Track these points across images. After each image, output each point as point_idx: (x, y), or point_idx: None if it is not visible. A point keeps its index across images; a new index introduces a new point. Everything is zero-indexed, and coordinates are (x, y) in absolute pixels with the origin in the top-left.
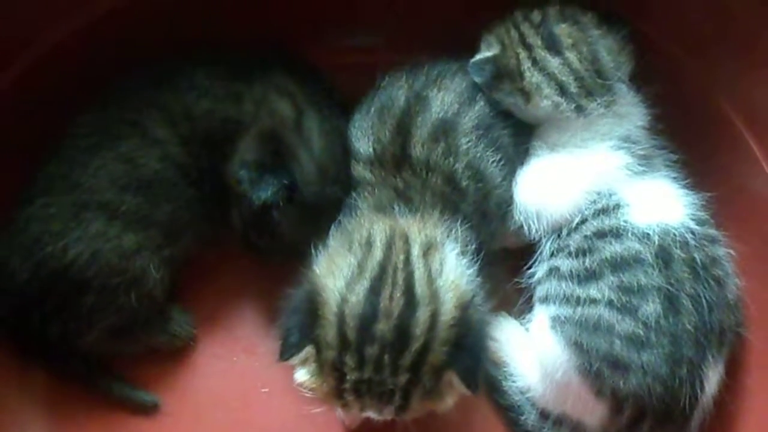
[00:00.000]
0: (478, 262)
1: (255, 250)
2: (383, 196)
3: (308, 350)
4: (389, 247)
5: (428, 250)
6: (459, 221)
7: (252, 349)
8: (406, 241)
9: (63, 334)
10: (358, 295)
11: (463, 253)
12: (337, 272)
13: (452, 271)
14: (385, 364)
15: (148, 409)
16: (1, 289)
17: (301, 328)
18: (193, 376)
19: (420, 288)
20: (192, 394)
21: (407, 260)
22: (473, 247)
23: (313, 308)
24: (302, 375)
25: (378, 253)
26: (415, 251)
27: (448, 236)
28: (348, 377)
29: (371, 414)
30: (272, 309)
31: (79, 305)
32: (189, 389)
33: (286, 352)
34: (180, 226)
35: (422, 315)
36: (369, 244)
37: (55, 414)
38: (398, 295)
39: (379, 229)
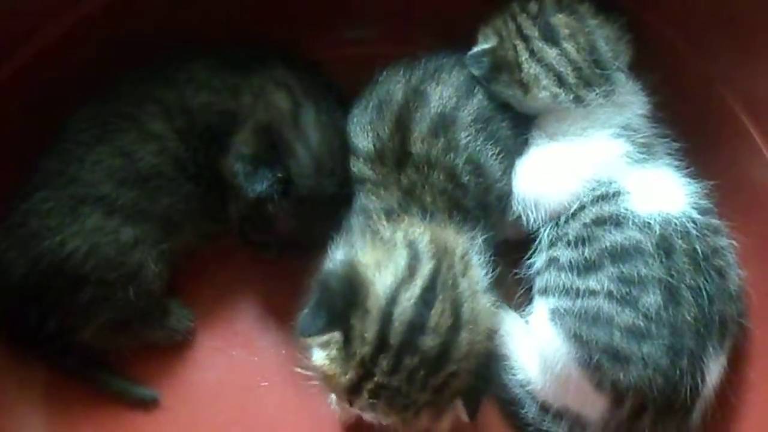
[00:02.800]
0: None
1: (252, 245)
2: (392, 198)
3: (333, 335)
4: (438, 258)
5: (467, 268)
6: (472, 226)
7: (251, 343)
8: (451, 254)
9: (61, 328)
10: (409, 300)
11: (481, 265)
12: (384, 269)
13: (483, 294)
14: (417, 378)
15: (147, 404)
16: None
17: (333, 311)
18: (192, 370)
19: (466, 311)
20: (191, 389)
21: (455, 278)
22: (488, 255)
23: (352, 296)
24: (320, 358)
25: (427, 262)
26: (459, 269)
27: (471, 248)
28: (375, 378)
29: (370, 416)
30: (271, 303)
31: (77, 300)
32: (188, 384)
33: (310, 330)
34: (178, 220)
35: (463, 340)
36: (413, 247)
37: (53, 408)
38: (448, 313)
39: (418, 233)
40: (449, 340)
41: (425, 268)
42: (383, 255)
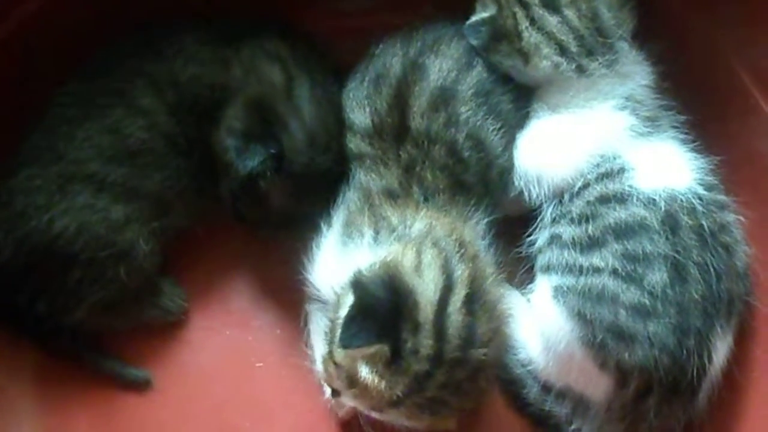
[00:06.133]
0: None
1: (245, 222)
2: (392, 176)
3: (381, 348)
4: (467, 261)
5: (482, 261)
6: (475, 207)
7: (245, 322)
8: (473, 253)
9: (51, 310)
10: (458, 313)
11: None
12: (426, 276)
13: (497, 284)
14: (462, 388)
15: (140, 386)
16: None
17: (381, 323)
18: (186, 350)
19: (497, 314)
20: (184, 369)
21: (485, 281)
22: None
23: (399, 306)
24: (365, 372)
25: (459, 265)
26: (484, 270)
27: (475, 233)
28: (425, 393)
29: (392, 420)
30: (265, 282)
31: (67, 280)
32: (181, 364)
33: (357, 342)
34: (169, 198)
35: (496, 343)
36: (438, 246)
37: (44, 391)
38: (490, 322)
39: (433, 226)
40: (491, 348)
41: (461, 274)
42: (414, 256)
